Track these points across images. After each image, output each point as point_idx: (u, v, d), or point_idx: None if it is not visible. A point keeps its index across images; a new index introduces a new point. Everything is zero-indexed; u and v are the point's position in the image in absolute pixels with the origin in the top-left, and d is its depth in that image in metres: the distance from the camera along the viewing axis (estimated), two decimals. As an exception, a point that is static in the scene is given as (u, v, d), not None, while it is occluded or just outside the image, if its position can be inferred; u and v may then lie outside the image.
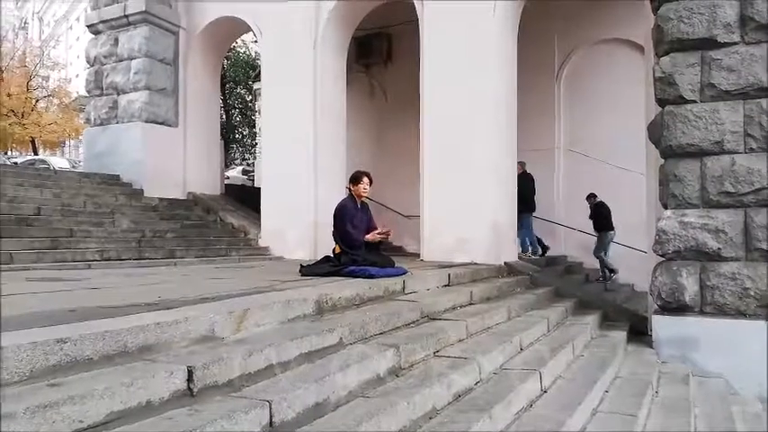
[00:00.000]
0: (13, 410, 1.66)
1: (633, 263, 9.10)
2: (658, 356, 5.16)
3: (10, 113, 28.57)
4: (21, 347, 1.96)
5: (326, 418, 2.35)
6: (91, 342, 2.19)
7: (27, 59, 31.88)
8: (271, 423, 2.15)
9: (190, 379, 2.20)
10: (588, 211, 10.04)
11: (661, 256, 5.33)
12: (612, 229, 9.86)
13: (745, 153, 4.99)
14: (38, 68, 32.09)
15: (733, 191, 5.00)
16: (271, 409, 2.16)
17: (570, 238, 10.66)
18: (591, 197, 10.01)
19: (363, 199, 5.84)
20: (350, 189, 5.87)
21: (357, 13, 9.58)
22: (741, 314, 4.94)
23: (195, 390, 2.21)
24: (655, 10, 5.52)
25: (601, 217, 9.89)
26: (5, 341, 2.00)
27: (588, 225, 10.19)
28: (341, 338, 3.17)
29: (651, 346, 5.32)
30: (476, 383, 3.26)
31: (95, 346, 2.20)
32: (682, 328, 5.14)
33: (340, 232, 5.60)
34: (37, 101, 31.39)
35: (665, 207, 5.36)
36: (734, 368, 4.80)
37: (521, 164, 9.42)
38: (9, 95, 28.64)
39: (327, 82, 9.40)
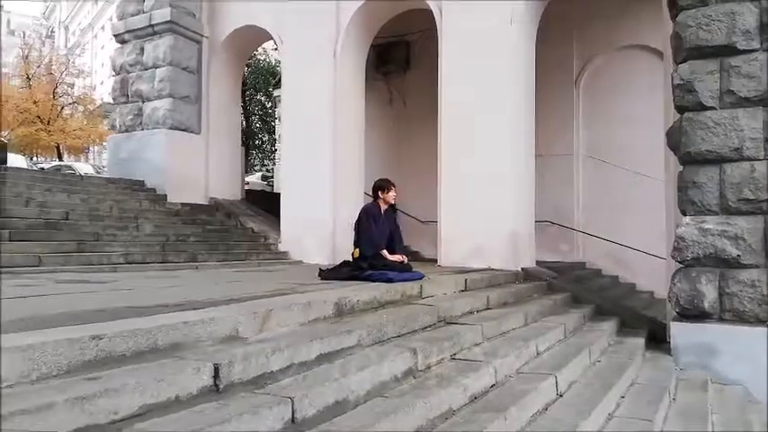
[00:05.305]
0: (52, 401, 1.77)
1: (653, 269, 9.03)
2: (676, 363, 5.14)
3: (36, 120, 29.29)
4: (58, 343, 2.09)
5: (346, 416, 2.43)
6: (123, 339, 2.31)
7: (53, 67, 32.59)
8: (293, 419, 2.24)
9: (216, 376, 2.30)
10: None
11: (680, 262, 5.32)
12: None
13: (765, 160, 4.96)
14: (63, 76, 32.80)
15: (753, 198, 4.98)
16: (293, 405, 2.25)
17: (589, 244, 10.61)
18: None
19: (391, 203, 5.95)
20: (375, 196, 5.93)
21: (376, 21, 9.71)
22: (761, 321, 4.90)
23: (221, 386, 2.31)
24: (673, 17, 5.53)
25: None
26: (42, 337, 2.13)
27: (608, 232, 10.16)
28: (359, 340, 3.25)
29: (669, 353, 5.28)
30: (492, 386, 3.31)
31: (128, 343, 2.32)
32: (700, 335, 5.11)
33: (366, 233, 5.68)
34: (62, 108, 32.11)
35: (684, 213, 5.35)
36: (753, 375, 4.76)
37: None
38: (35, 103, 29.36)
39: (347, 89, 9.53)
